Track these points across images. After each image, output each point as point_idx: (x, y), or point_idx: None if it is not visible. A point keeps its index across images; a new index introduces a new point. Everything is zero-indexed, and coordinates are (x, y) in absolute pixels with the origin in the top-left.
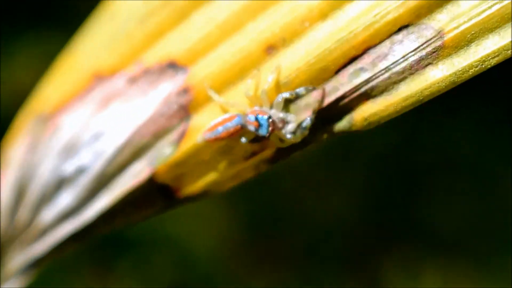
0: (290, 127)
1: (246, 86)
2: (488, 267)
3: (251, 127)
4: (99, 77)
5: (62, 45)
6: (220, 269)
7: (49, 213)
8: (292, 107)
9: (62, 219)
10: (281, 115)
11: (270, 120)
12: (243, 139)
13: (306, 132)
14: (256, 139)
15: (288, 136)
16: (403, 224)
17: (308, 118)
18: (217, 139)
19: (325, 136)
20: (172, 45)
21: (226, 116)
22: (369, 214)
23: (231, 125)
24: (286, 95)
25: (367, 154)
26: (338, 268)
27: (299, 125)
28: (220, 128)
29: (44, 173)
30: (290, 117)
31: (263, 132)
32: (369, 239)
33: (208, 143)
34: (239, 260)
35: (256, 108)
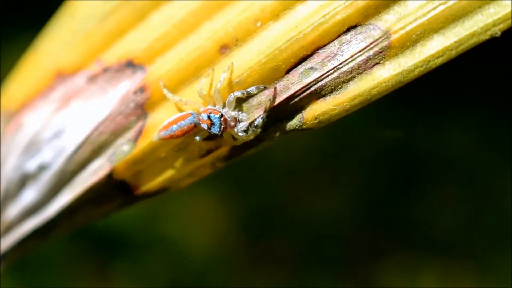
0: (242, 125)
1: (200, 85)
2: (485, 267)
3: (204, 125)
4: (61, 76)
5: None
6: (216, 270)
7: (13, 210)
8: (245, 105)
9: (26, 215)
10: (233, 113)
11: (222, 118)
12: (197, 137)
13: (258, 131)
14: (210, 137)
15: (240, 134)
16: (400, 225)
17: (260, 118)
18: (171, 137)
19: (277, 134)
20: (131, 44)
21: (180, 114)
22: (367, 215)
23: (185, 123)
24: (238, 94)
25: (364, 156)
26: (335, 269)
27: (251, 124)
28: (175, 127)
29: (8, 170)
30: (242, 115)
31: (215, 130)
32: (366, 240)
33: (164, 141)
34: (235, 261)
35: (209, 106)
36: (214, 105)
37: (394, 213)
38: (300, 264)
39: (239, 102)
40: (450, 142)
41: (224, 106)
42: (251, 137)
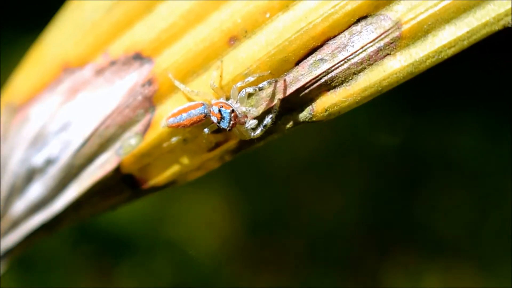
0: (252, 123)
1: (211, 77)
2: (489, 268)
3: (214, 118)
4: (67, 68)
5: None
6: (221, 271)
7: (20, 205)
8: (254, 97)
9: (33, 210)
10: (244, 109)
11: (233, 114)
12: (206, 130)
13: (266, 128)
14: (219, 130)
15: (250, 132)
16: (403, 227)
17: (269, 118)
18: (179, 126)
19: (287, 126)
20: (138, 35)
21: (191, 104)
22: (370, 216)
23: (195, 113)
24: (250, 90)
25: (368, 157)
26: (339, 270)
27: (260, 122)
28: (184, 115)
29: (15, 164)
30: (253, 111)
31: (224, 125)
32: (370, 242)
33: (172, 129)
34: (240, 263)
35: (221, 100)
36: (226, 99)
37: (398, 214)
38: (304, 265)
39: (249, 95)
40: (454, 143)
41: (235, 101)
42: (259, 135)
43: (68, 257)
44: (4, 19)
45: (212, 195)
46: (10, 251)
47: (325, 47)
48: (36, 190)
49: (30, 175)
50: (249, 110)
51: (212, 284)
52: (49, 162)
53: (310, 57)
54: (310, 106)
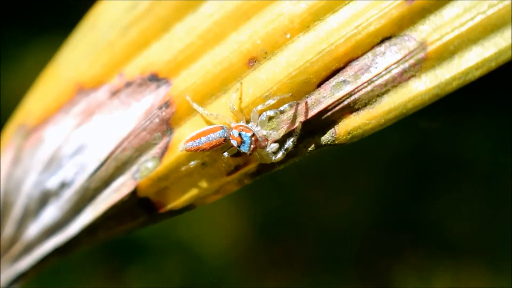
0: (273, 146)
1: (231, 100)
2: (499, 269)
3: (234, 142)
4: (82, 89)
5: None
6: (231, 273)
7: (34, 228)
8: (275, 120)
9: (46, 234)
10: (265, 132)
11: (253, 138)
12: (225, 154)
13: (288, 152)
14: (238, 153)
15: (271, 156)
16: (414, 227)
17: (290, 141)
18: (198, 149)
19: (308, 149)
20: (154, 56)
21: (210, 127)
22: (381, 216)
23: (214, 136)
24: (270, 113)
25: (379, 157)
26: (349, 271)
27: (281, 146)
28: (203, 139)
29: (29, 187)
30: (273, 134)
31: (244, 149)
32: (380, 242)
33: (190, 153)
34: (250, 264)
35: (242, 123)
36: (246, 122)
37: (408, 215)
38: (315, 266)
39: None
40: (465, 144)
41: (256, 124)
42: (280, 159)
43: (79, 259)
44: (14, 20)
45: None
46: (24, 275)
47: (347, 68)
48: (50, 214)
49: (45, 198)
50: (270, 134)
51: (221, 285)
52: (63, 185)
53: (332, 78)
54: (333, 129)
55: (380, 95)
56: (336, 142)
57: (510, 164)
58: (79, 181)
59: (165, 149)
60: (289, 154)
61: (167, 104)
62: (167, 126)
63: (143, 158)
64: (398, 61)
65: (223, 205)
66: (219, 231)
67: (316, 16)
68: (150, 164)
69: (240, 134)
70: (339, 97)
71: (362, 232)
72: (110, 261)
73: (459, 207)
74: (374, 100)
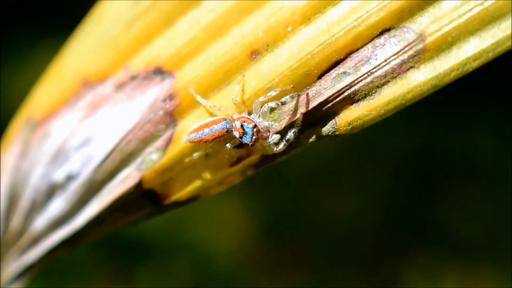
0: (275, 137)
1: (233, 92)
2: (507, 270)
3: (236, 133)
4: (87, 83)
5: None
6: (239, 273)
7: (41, 221)
8: (277, 112)
9: (54, 226)
10: (266, 123)
11: (255, 129)
12: (228, 145)
13: (289, 143)
14: (241, 145)
15: (272, 147)
16: (422, 227)
17: (292, 132)
18: (201, 141)
19: (309, 140)
20: (158, 50)
21: (213, 118)
22: (387, 217)
23: (217, 128)
24: (272, 104)
25: (385, 158)
26: (356, 272)
27: (282, 137)
28: (206, 130)
29: (36, 180)
30: (275, 125)
31: (246, 140)
32: (387, 243)
33: (193, 145)
34: (258, 265)
35: (244, 115)
36: (248, 113)
37: (415, 215)
38: (322, 266)
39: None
40: (472, 144)
41: (258, 116)
42: (282, 150)
43: (87, 260)
44: (21, 22)
45: (229, 197)
46: (31, 267)
47: (348, 60)
48: (57, 206)
49: (51, 191)
50: (272, 125)
51: (230, 285)
52: (70, 178)
53: (332, 70)
54: (333, 120)
55: (380, 86)
56: (337, 133)
57: None
58: (85, 173)
59: (169, 141)
60: (290, 145)
61: (171, 97)
62: (171, 118)
63: (148, 150)
64: (397, 53)
65: (231, 205)
66: (227, 232)
67: (317, 9)
68: (154, 156)
69: (242, 126)
70: (340, 88)
71: (369, 232)
72: (118, 262)
73: (466, 207)
74: (374, 91)
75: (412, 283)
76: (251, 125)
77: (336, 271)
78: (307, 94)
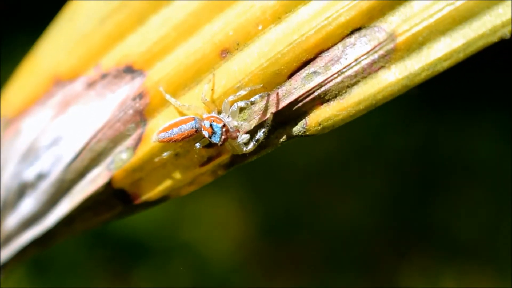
0: (244, 137)
1: (203, 91)
2: (505, 271)
3: (205, 133)
4: (59, 81)
5: None
6: (237, 274)
7: (12, 220)
8: (246, 111)
9: (24, 226)
10: (236, 123)
11: (224, 128)
12: (197, 145)
13: (259, 143)
14: (210, 144)
15: (242, 147)
16: (420, 229)
17: (261, 132)
18: (170, 140)
19: (280, 140)
20: (130, 48)
21: (182, 118)
22: (387, 219)
23: (186, 127)
24: (241, 104)
25: (385, 159)
26: (355, 273)
27: (252, 137)
28: (175, 130)
29: (7, 179)
30: (245, 125)
31: (216, 139)
32: (386, 244)
33: (163, 144)
34: (256, 266)
35: (213, 114)
36: (218, 113)
37: (415, 216)
38: (320, 267)
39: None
40: (472, 145)
41: (227, 115)
42: (251, 150)
43: (85, 261)
44: (25, 21)
45: (227, 197)
46: (3, 267)
47: (318, 59)
48: (28, 205)
49: (22, 190)
50: (241, 125)
51: (229, 285)
52: (40, 177)
53: (303, 70)
54: (304, 120)
55: (350, 86)
56: (307, 133)
57: None
58: (56, 173)
59: (139, 140)
60: (260, 145)
61: (141, 95)
62: (141, 117)
63: (118, 149)
64: (368, 52)
65: (229, 206)
66: (226, 233)
67: (288, 8)
68: (124, 155)
69: (211, 125)
70: (310, 88)
71: (368, 234)
72: (116, 262)
73: (466, 209)
74: (344, 91)
75: (412, 283)
76: (220, 125)
77: (335, 271)
78: (277, 94)
